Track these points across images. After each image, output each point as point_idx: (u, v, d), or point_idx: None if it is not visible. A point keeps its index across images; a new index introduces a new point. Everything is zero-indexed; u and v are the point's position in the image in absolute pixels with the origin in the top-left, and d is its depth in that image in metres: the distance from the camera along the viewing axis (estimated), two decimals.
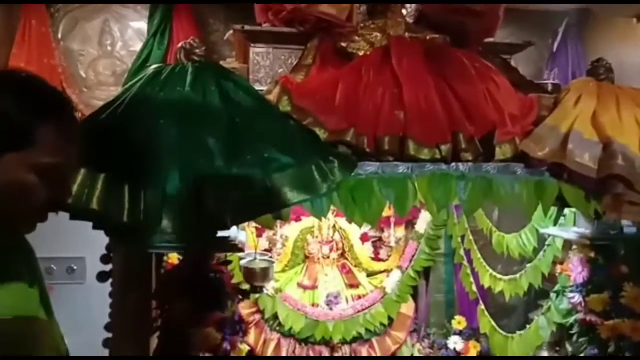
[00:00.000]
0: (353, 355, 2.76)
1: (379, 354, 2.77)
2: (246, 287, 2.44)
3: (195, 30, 2.96)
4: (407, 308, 2.87)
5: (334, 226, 2.87)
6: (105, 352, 1.74)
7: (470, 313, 2.86)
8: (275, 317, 2.70)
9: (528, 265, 2.46)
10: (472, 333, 2.83)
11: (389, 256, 2.93)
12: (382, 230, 2.90)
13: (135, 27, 3.09)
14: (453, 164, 1.71)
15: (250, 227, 2.51)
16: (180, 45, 1.72)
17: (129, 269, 1.71)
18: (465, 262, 2.81)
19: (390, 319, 2.81)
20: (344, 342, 2.74)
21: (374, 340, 2.79)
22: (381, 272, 2.92)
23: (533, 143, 1.75)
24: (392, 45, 1.82)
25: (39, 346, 0.98)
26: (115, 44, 3.07)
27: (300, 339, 2.71)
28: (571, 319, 2.17)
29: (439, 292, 2.92)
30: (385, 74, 1.73)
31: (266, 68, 1.89)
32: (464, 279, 2.82)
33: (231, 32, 2.01)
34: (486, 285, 2.68)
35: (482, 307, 2.77)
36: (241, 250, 1.93)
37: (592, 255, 2.12)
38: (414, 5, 2.05)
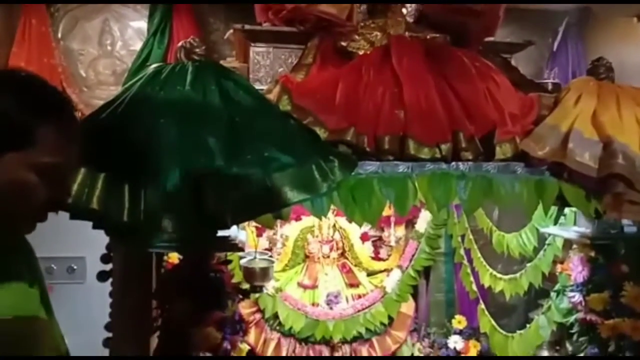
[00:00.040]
0: (353, 354, 2.76)
1: (379, 354, 2.77)
2: (246, 286, 2.44)
3: (195, 29, 2.96)
4: (407, 307, 2.87)
5: (334, 225, 2.87)
6: (105, 352, 1.74)
7: (470, 312, 2.86)
8: (276, 316, 2.70)
9: (528, 265, 2.46)
10: (472, 332, 2.83)
11: (389, 255, 2.93)
12: (382, 230, 2.90)
13: (135, 27, 3.09)
14: (453, 163, 1.71)
15: (250, 226, 2.51)
16: (180, 44, 1.72)
17: (129, 268, 1.71)
18: (465, 262, 2.81)
19: (391, 318, 2.81)
20: (344, 341, 2.74)
21: (374, 339, 2.79)
22: (381, 272, 2.92)
23: (533, 142, 1.75)
24: (392, 45, 1.82)
25: (39, 346, 0.98)
26: (115, 43, 3.07)
27: (301, 339, 2.71)
28: (571, 318, 2.18)
29: (439, 292, 2.92)
30: (385, 73, 1.73)
31: (266, 67, 1.89)
32: (464, 278, 2.82)
33: (231, 31, 2.01)
34: (486, 285, 2.68)
35: (482, 306, 2.77)
36: (241, 249, 1.93)
37: (592, 254, 2.12)
38: (414, 5, 2.05)
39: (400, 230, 2.91)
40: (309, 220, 2.80)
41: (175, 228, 1.40)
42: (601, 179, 1.71)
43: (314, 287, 2.80)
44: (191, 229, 1.42)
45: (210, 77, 1.58)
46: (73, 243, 2.70)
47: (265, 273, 2.36)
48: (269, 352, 2.68)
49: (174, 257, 1.94)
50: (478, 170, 1.73)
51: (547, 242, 2.37)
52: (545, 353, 2.38)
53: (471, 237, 2.75)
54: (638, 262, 2.06)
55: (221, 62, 1.90)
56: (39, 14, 2.93)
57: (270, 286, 2.66)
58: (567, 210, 2.10)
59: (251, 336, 2.69)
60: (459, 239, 2.81)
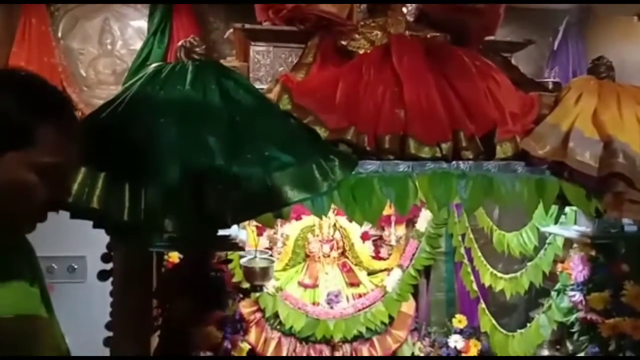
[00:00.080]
0: (354, 353, 2.76)
1: (379, 353, 2.77)
2: (247, 285, 2.44)
3: (195, 28, 2.95)
4: (408, 307, 2.87)
5: (335, 225, 2.86)
6: (106, 351, 1.74)
7: (470, 311, 2.86)
8: (276, 315, 2.70)
9: (529, 264, 2.46)
10: (472, 331, 2.83)
11: (390, 255, 2.93)
12: (383, 229, 2.90)
13: (135, 26, 3.08)
14: (453, 162, 1.71)
15: (251, 225, 2.51)
16: (180, 43, 1.72)
17: (129, 267, 1.71)
18: (466, 261, 2.81)
19: (391, 318, 2.81)
20: (344, 340, 2.74)
21: (374, 339, 2.79)
22: (382, 271, 2.92)
23: (534, 141, 1.75)
24: (392, 44, 1.82)
25: (39, 344, 0.98)
26: (115, 42, 3.07)
27: (301, 338, 2.71)
28: (572, 318, 2.18)
29: (440, 291, 2.92)
30: (386, 72, 1.73)
31: (266, 66, 1.89)
32: (465, 277, 2.82)
33: (231, 30, 2.00)
34: (487, 284, 2.68)
35: (483, 305, 2.77)
36: (242, 249, 1.93)
37: (593, 253, 2.12)
38: (414, 4, 2.05)
39: (401, 230, 2.91)
40: (309, 220, 2.80)
41: (176, 227, 1.40)
42: (602, 178, 1.71)
43: (314, 286, 2.80)
44: (192, 228, 1.42)
45: (211, 77, 1.58)
46: (74, 242, 2.70)
47: (265, 272, 2.36)
48: (270, 352, 2.68)
49: (174, 257, 1.94)
50: (478, 170, 1.73)
51: (547, 241, 2.37)
52: (545, 352, 2.38)
53: (472, 236, 2.75)
54: (638, 261, 2.06)
55: (221, 61, 1.90)
56: (39, 14, 2.92)
57: (270, 285, 2.66)
58: (567, 209, 2.10)
59: (252, 335, 2.69)
60: (460, 238, 2.81)
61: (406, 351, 2.83)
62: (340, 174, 1.55)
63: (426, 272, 2.92)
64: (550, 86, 2.06)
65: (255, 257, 2.36)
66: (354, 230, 2.86)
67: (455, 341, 2.81)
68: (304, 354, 2.70)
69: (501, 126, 1.73)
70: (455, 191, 1.72)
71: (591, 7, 3.23)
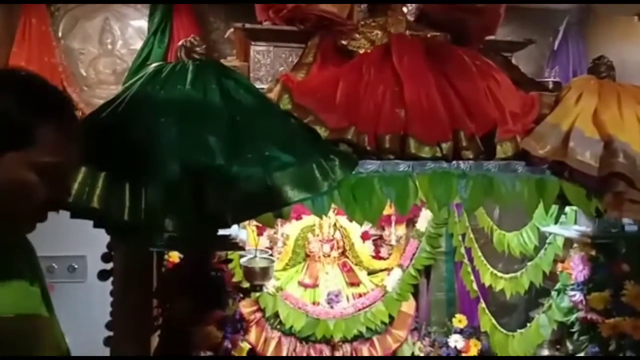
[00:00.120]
0: (354, 353, 2.76)
1: (379, 353, 2.77)
2: (247, 285, 2.44)
3: (195, 28, 2.95)
4: (408, 306, 2.87)
5: (335, 224, 2.86)
6: (106, 351, 1.74)
7: (470, 311, 2.86)
8: (276, 315, 2.70)
9: (529, 264, 2.46)
10: (472, 331, 2.83)
11: (390, 254, 2.93)
12: (383, 229, 2.90)
13: (135, 26, 3.08)
14: (454, 162, 1.70)
15: (251, 225, 2.51)
16: (180, 43, 1.72)
17: (129, 267, 1.71)
18: (466, 261, 2.81)
19: (391, 317, 2.81)
20: (344, 340, 2.74)
21: (374, 338, 2.79)
22: (382, 271, 2.92)
23: (534, 141, 1.75)
24: (392, 43, 1.82)
25: (40, 344, 0.99)
26: (115, 42, 3.07)
27: (301, 338, 2.71)
28: (572, 317, 2.18)
29: (440, 291, 2.92)
30: (386, 71, 1.73)
31: (267, 66, 1.89)
32: (465, 277, 2.82)
33: (232, 30, 2.00)
34: (487, 284, 2.68)
35: (483, 305, 2.77)
36: (242, 248, 1.93)
37: (593, 253, 2.12)
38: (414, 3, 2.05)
39: (401, 229, 2.90)
40: (309, 219, 2.80)
41: (176, 227, 1.40)
42: (602, 177, 1.71)
43: (314, 286, 2.80)
44: (192, 228, 1.42)
45: (211, 76, 1.58)
46: (74, 242, 2.70)
47: (265, 272, 2.36)
48: (270, 351, 2.68)
49: (174, 256, 1.94)
50: (479, 169, 1.73)
51: (547, 241, 2.37)
52: (545, 352, 2.38)
53: (472, 236, 2.75)
54: (639, 261, 2.06)
55: (222, 61, 1.90)
56: (39, 13, 2.92)
57: (270, 285, 2.66)
58: (567, 209, 2.10)
59: (252, 335, 2.69)
60: (460, 237, 2.81)
61: (406, 351, 2.83)
62: (340, 174, 1.55)
63: (426, 271, 2.92)
64: (551, 86, 2.06)
65: (255, 256, 2.36)
66: (354, 230, 2.86)
67: (456, 341, 2.81)
68: (304, 354, 2.70)
69: (501, 126, 1.73)
70: (455, 191, 1.72)
71: (591, 7, 3.23)
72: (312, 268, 2.85)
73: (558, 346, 2.33)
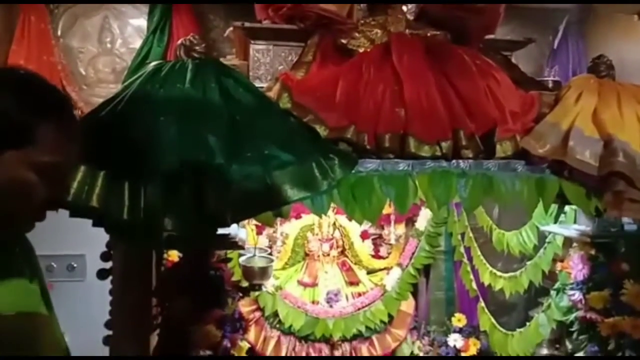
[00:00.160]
0: (353, 352, 2.76)
1: (379, 352, 2.77)
2: (246, 284, 2.44)
3: (194, 26, 2.95)
4: (407, 305, 2.87)
5: (334, 223, 2.87)
6: (105, 350, 1.74)
7: (470, 310, 2.86)
8: (276, 314, 2.70)
9: (528, 263, 2.46)
10: (472, 330, 2.84)
11: (389, 253, 2.93)
12: (382, 228, 2.90)
13: (134, 24, 3.08)
14: (453, 161, 1.70)
15: (250, 224, 2.51)
16: (179, 42, 1.71)
17: (129, 266, 1.71)
18: (465, 260, 2.81)
19: (390, 317, 2.81)
20: (344, 339, 2.74)
21: (374, 337, 2.79)
22: (381, 270, 2.92)
23: (533, 140, 1.75)
24: (392, 42, 1.82)
25: (40, 342, 0.99)
26: (114, 41, 3.06)
27: (300, 337, 2.71)
28: (571, 317, 2.18)
29: (439, 290, 2.93)
30: (386, 70, 1.73)
31: (266, 65, 1.88)
32: (464, 276, 2.82)
33: (231, 28, 2.00)
34: (486, 283, 2.68)
35: (482, 304, 2.77)
36: (241, 247, 1.93)
37: (593, 252, 2.12)
38: None
39: (401, 229, 2.91)
40: (309, 219, 2.80)
41: (175, 226, 1.40)
42: (602, 177, 1.71)
43: (313, 285, 2.81)
44: (191, 227, 1.42)
45: (210, 75, 1.58)
46: (73, 241, 2.70)
47: (264, 272, 2.36)
48: (269, 350, 2.68)
49: (173, 255, 1.94)
50: (478, 168, 1.73)
51: (547, 240, 2.37)
52: (545, 351, 2.38)
53: (471, 235, 2.76)
54: (638, 261, 2.06)
55: (221, 59, 1.90)
56: (39, 12, 2.92)
57: (270, 284, 2.66)
58: (567, 208, 2.10)
59: (251, 334, 2.69)
60: (459, 237, 2.81)
61: (405, 350, 2.83)
62: (340, 173, 1.55)
63: (426, 271, 2.93)
64: (551, 85, 2.06)
65: (254, 255, 2.36)
66: (354, 229, 2.87)
67: (455, 340, 2.81)
68: (304, 353, 2.71)
69: (501, 125, 1.73)
70: (455, 190, 1.71)
71: (591, 6, 3.22)
72: (312, 267, 2.85)
73: (557, 345, 2.33)
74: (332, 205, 1.74)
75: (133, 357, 1.70)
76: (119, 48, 3.07)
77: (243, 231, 1.97)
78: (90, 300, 2.39)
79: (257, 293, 2.63)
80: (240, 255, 2.37)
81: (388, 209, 2.54)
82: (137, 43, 3.01)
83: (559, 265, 2.28)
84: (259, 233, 2.66)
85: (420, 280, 2.92)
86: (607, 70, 1.93)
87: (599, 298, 2.07)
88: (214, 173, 1.41)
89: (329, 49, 1.84)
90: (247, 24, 1.87)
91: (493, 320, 2.71)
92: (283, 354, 2.68)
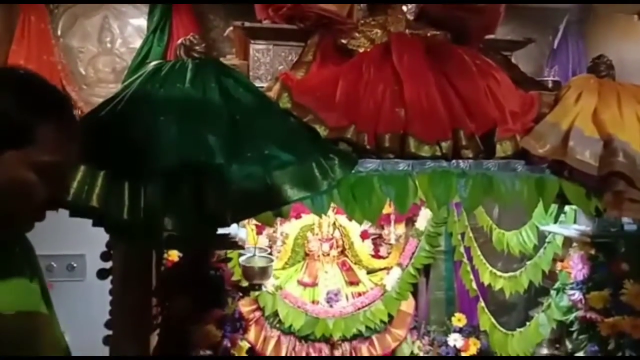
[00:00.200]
0: (353, 352, 2.76)
1: (378, 352, 2.77)
2: (246, 284, 2.44)
3: (194, 26, 2.94)
4: (407, 305, 2.88)
5: (334, 223, 2.87)
6: (105, 350, 1.74)
7: (470, 310, 2.86)
8: (276, 314, 2.70)
9: (528, 263, 2.46)
10: (472, 330, 2.84)
11: (389, 253, 2.93)
12: (382, 228, 2.90)
13: (134, 24, 3.07)
14: (453, 161, 1.70)
15: (251, 224, 2.51)
16: (179, 41, 1.71)
17: (129, 266, 1.71)
18: (465, 260, 2.81)
19: (390, 316, 2.81)
20: (344, 339, 2.74)
21: (374, 337, 2.79)
22: (381, 270, 2.92)
23: (533, 140, 1.75)
24: (392, 42, 1.81)
25: (40, 341, 0.99)
26: (114, 40, 3.06)
27: (300, 336, 2.71)
28: (571, 316, 2.18)
29: (439, 290, 2.93)
30: (386, 70, 1.73)
31: (266, 65, 1.88)
32: (464, 276, 2.82)
33: (231, 28, 2.00)
34: (486, 283, 2.68)
35: (482, 304, 2.77)
36: (241, 247, 1.93)
37: (593, 252, 2.12)
38: None
39: (401, 228, 2.91)
40: (309, 218, 2.80)
41: (175, 226, 1.40)
42: (602, 177, 1.71)
43: (314, 285, 2.81)
44: (191, 227, 1.42)
45: (210, 75, 1.58)
46: (73, 241, 2.70)
47: (264, 272, 2.36)
48: (269, 350, 2.68)
49: (174, 255, 1.94)
50: (478, 168, 1.73)
51: (547, 240, 2.37)
52: (545, 351, 2.38)
53: (471, 235, 2.76)
54: (638, 260, 2.06)
55: (221, 59, 1.90)
56: (39, 11, 2.91)
57: (270, 284, 2.66)
58: (567, 208, 2.10)
59: (251, 334, 2.69)
60: (459, 237, 2.81)
61: (405, 350, 2.83)
62: (340, 173, 1.55)
63: (426, 270, 2.93)
64: (550, 85, 2.06)
65: (254, 255, 2.36)
66: (354, 228, 2.87)
67: (455, 340, 2.81)
68: (304, 353, 2.71)
69: (501, 125, 1.73)
70: (455, 190, 1.71)
71: (591, 6, 3.22)
72: (312, 267, 2.85)
73: (557, 345, 2.33)
74: (332, 205, 1.74)
75: (133, 357, 1.71)
76: (119, 48, 3.07)
77: (243, 231, 1.97)
78: (90, 300, 2.39)
79: (257, 293, 2.63)
80: (240, 255, 2.37)
81: (388, 209, 2.54)
82: (137, 43, 3.01)
83: (559, 265, 2.28)
84: (259, 233, 2.66)
85: (420, 280, 2.92)
86: (607, 70, 1.93)
87: (599, 298, 2.07)
88: (214, 173, 1.42)
89: (329, 48, 1.84)
90: (247, 24, 1.87)
91: (493, 320, 2.71)
92: (283, 354, 2.69)
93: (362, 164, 1.64)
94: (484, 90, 1.75)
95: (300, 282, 2.82)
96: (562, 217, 2.24)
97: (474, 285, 2.77)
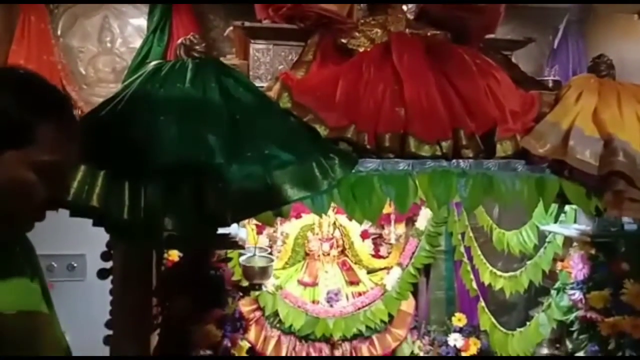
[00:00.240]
0: (353, 352, 2.76)
1: (379, 351, 2.77)
2: (246, 284, 2.44)
3: (194, 26, 2.94)
4: (407, 305, 2.88)
5: (334, 223, 2.87)
6: (106, 349, 1.74)
7: (470, 310, 2.86)
8: (276, 314, 2.70)
9: (528, 262, 2.46)
10: (472, 330, 2.84)
11: (389, 253, 2.93)
12: (383, 227, 2.90)
13: (134, 24, 3.07)
14: (454, 160, 1.70)
15: (251, 224, 2.51)
16: (180, 41, 1.71)
17: (129, 266, 1.71)
18: (466, 259, 2.81)
19: (391, 316, 2.81)
20: (344, 339, 2.74)
21: (374, 337, 2.79)
22: (381, 269, 2.92)
23: (534, 140, 1.75)
24: (392, 42, 1.81)
25: (41, 340, 0.99)
26: (114, 40, 3.06)
27: (301, 336, 2.71)
28: (571, 316, 2.18)
29: (439, 289, 2.93)
30: (386, 70, 1.73)
31: (266, 64, 1.88)
32: (464, 276, 2.82)
33: (231, 28, 2.00)
34: (486, 282, 2.68)
35: (482, 304, 2.77)
36: (241, 247, 1.93)
37: (593, 252, 2.12)
38: None
39: (401, 228, 2.91)
40: (309, 218, 2.80)
41: (176, 226, 1.40)
42: (602, 176, 1.71)
43: (314, 284, 2.81)
44: (191, 227, 1.42)
45: (210, 75, 1.58)
46: (73, 240, 2.70)
47: (264, 271, 2.36)
48: (269, 350, 2.68)
49: (174, 255, 1.94)
50: (479, 168, 1.73)
51: (547, 239, 2.37)
52: (545, 351, 2.38)
53: (471, 234, 2.76)
54: (638, 260, 2.06)
55: (221, 59, 1.90)
56: (39, 11, 2.91)
57: (270, 284, 2.66)
58: (567, 207, 2.10)
59: (251, 334, 2.69)
60: (459, 236, 2.81)
61: (406, 350, 2.83)
62: (340, 172, 1.55)
63: (426, 270, 2.93)
64: (551, 84, 2.06)
65: (254, 255, 2.36)
66: (354, 228, 2.87)
67: (455, 340, 2.81)
68: (304, 353, 2.71)
69: (501, 124, 1.72)
70: (455, 189, 1.71)
71: (591, 6, 3.22)
72: (312, 267, 2.85)
73: (557, 345, 2.33)
74: (332, 204, 1.74)
75: (133, 357, 1.70)
76: (119, 47, 3.07)
77: (243, 231, 1.97)
78: (90, 300, 2.39)
79: (257, 293, 2.63)
80: (240, 254, 2.37)
81: (388, 209, 2.54)
82: (137, 42, 3.01)
83: (559, 265, 2.28)
84: (259, 233, 2.66)
85: (421, 279, 2.92)
86: (607, 70, 1.92)
87: (599, 297, 2.07)
88: (214, 173, 1.41)
89: (329, 48, 1.84)
90: (247, 24, 1.87)
91: (493, 319, 2.71)
92: (283, 354, 2.69)
93: (362, 163, 1.64)
94: (484, 89, 1.75)
95: (300, 282, 2.82)
96: (562, 217, 2.24)
97: (474, 285, 2.77)
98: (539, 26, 3.21)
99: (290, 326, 2.68)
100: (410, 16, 2.02)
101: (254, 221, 2.42)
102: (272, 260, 2.44)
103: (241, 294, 2.48)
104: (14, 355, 0.93)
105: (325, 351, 2.73)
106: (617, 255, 2.09)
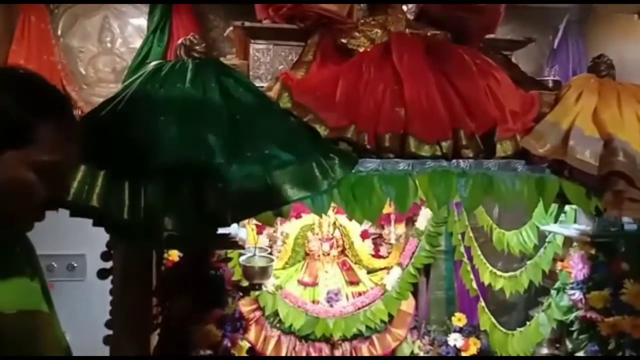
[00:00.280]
0: (353, 352, 2.76)
1: (379, 351, 2.77)
2: (246, 284, 2.44)
3: (195, 26, 2.95)
4: (407, 305, 2.88)
5: (334, 223, 2.87)
6: (106, 349, 1.74)
7: (470, 310, 2.86)
8: (276, 314, 2.70)
9: (528, 262, 2.46)
10: (472, 330, 2.84)
11: (389, 253, 2.93)
12: (383, 227, 2.90)
13: (134, 24, 3.08)
14: (454, 160, 1.70)
15: (251, 224, 2.51)
16: (180, 41, 1.71)
17: (129, 266, 1.71)
18: (466, 259, 2.81)
19: (391, 316, 2.82)
20: (344, 339, 2.75)
21: (374, 337, 2.79)
22: (381, 269, 2.92)
23: (534, 140, 1.75)
24: (392, 42, 1.81)
25: (42, 339, 0.99)
26: (114, 40, 3.06)
27: (301, 336, 2.71)
28: (571, 316, 2.18)
29: (439, 289, 2.93)
30: (386, 70, 1.73)
31: (266, 64, 1.88)
32: (464, 276, 2.82)
33: (231, 28, 2.00)
34: (486, 282, 2.68)
35: (482, 304, 2.77)
36: (241, 247, 1.93)
37: (593, 252, 2.13)
38: None
39: (401, 228, 2.91)
40: (309, 218, 2.80)
41: (176, 226, 1.40)
42: (602, 176, 1.71)
43: (314, 284, 2.81)
44: (191, 227, 1.42)
45: (211, 75, 1.58)
46: (73, 240, 2.70)
47: (264, 271, 2.36)
48: (269, 350, 2.68)
49: (174, 255, 1.94)
50: (478, 168, 1.73)
51: (547, 239, 2.37)
52: (545, 351, 2.38)
53: (471, 234, 2.76)
54: (638, 260, 2.06)
55: (221, 59, 1.90)
56: (39, 11, 2.92)
57: (270, 284, 2.66)
58: (567, 207, 2.10)
59: (251, 334, 2.69)
60: (459, 236, 2.81)
61: (406, 350, 2.83)
62: (340, 172, 1.55)
63: (426, 270, 2.93)
64: (551, 84, 2.06)
65: (254, 255, 2.36)
66: (354, 228, 2.87)
67: (455, 339, 2.81)
68: (304, 353, 2.71)
69: (501, 124, 1.72)
70: (455, 189, 1.71)
71: (592, 6, 3.22)
72: (312, 267, 2.85)
73: (557, 345, 2.33)
74: (333, 204, 1.74)
75: (133, 357, 1.71)
76: (119, 48, 3.07)
77: (243, 231, 1.97)
78: (90, 300, 2.39)
79: (257, 293, 2.63)
80: (240, 254, 2.37)
81: (388, 209, 2.54)
82: (137, 43, 3.01)
83: (559, 265, 2.28)
84: (259, 233, 2.66)
85: (421, 279, 2.92)
86: (607, 70, 1.92)
87: (599, 297, 2.07)
88: (214, 173, 1.41)
89: (329, 48, 1.84)
90: (247, 24, 1.87)
91: (493, 319, 2.71)
92: (283, 354, 2.69)
93: (362, 163, 1.64)
94: (484, 89, 1.75)
95: (300, 282, 2.82)
96: (562, 217, 2.24)
97: (474, 285, 2.77)
98: (539, 26, 3.21)
99: (290, 326, 2.68)
100: (410, 16, 2.02)
101: (254, 221, 2.42)
102: (272, 260, 2.44)
103: (241, 294, 2.48)
104: (14, 355, 0.93)
105: (325, 351, 2.73)
106: (617, 255, 2.09)
